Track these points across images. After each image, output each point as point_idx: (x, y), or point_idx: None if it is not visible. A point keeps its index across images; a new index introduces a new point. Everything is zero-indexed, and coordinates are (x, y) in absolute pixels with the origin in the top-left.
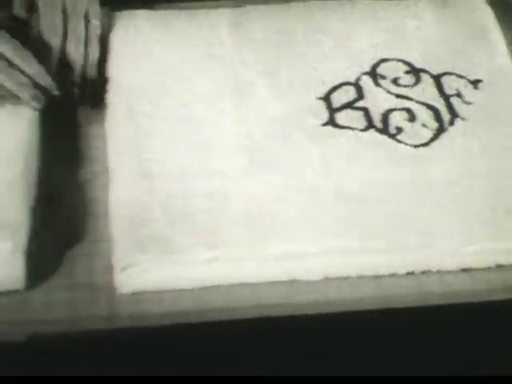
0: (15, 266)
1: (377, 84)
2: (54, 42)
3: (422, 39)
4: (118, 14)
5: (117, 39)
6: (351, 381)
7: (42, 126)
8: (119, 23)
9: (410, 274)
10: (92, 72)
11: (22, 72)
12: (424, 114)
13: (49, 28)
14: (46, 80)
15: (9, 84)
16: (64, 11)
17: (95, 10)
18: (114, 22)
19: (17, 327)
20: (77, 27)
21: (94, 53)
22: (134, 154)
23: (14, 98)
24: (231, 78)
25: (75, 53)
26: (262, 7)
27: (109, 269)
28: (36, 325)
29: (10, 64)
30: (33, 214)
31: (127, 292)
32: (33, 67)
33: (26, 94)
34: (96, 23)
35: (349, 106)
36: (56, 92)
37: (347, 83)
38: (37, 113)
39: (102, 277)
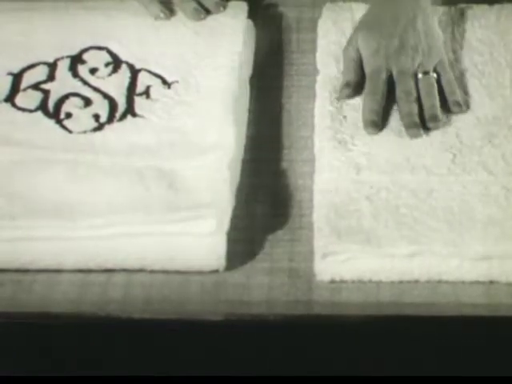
0: (217, 245)
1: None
2: None
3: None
4: (326, 5)
5: (323, 31)
6: None
7: (249, 113)
8: (325, 16)
9: None
10: None
11: None
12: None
13: None
14: None
15: None
16: None
17: None
18: (321, 15)
19: (214, 307)
20: None
21: None
22: (341, 144)
23: None
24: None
25: None
26: (472, 6)
27: (309, 255)
28: (233, 306)
29: None
30: (237, 198)
31: (326, 279)
32: None
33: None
34: None
35: None
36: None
37: None
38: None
39: (301, 263)
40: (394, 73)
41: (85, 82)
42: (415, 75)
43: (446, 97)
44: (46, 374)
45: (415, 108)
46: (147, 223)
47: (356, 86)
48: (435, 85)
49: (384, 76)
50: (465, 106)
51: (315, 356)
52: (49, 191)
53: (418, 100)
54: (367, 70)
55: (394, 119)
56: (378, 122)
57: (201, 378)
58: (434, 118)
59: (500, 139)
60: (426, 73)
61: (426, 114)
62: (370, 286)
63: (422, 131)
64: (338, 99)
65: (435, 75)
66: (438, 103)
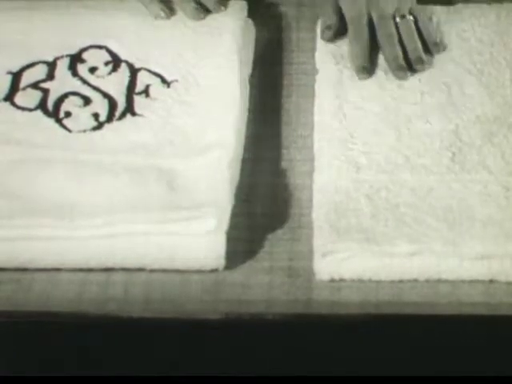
0: (217, 244)
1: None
2: None
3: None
4: None
5: None
6: None
7: (249, 112)
8: None
9: None
10: None
11: None
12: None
13: None
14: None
15: None
16: None
17: None
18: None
19: (213, 306)
20: None
21: None
22: (341, 143)
23: None
24: (439, 76)
25: None
26: (472, 5)
27: (308, 254)
28: (232, 305)
29: None
30: (236, 197)
31: (326, 279)
32: None
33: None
34: None
35: None
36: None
37: None
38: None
39: (301, 262)
40: (375, 17)
41: (84, 81)
42: (394, 19)
43: (425, 39)
44: (45, 374)
45: (399, 51)
46: (147, 222)
47: (337, 28)
48: (414, 27)
49: (365, 21)
50: (442, 46)
51: (315, 355)
52: (48, 190)
53: (401, 45)
54: (347, 16)
55: (394, 118)
56: (367, 66)
57: (200, 377)
58: (419, 60)
59: (500, 138)
60: (403, 16)
61: (411, 56)
62: (369, 285)
63: (408, 74)
64: (323, 40)
65: (412, 18)
66: (420, 45)
